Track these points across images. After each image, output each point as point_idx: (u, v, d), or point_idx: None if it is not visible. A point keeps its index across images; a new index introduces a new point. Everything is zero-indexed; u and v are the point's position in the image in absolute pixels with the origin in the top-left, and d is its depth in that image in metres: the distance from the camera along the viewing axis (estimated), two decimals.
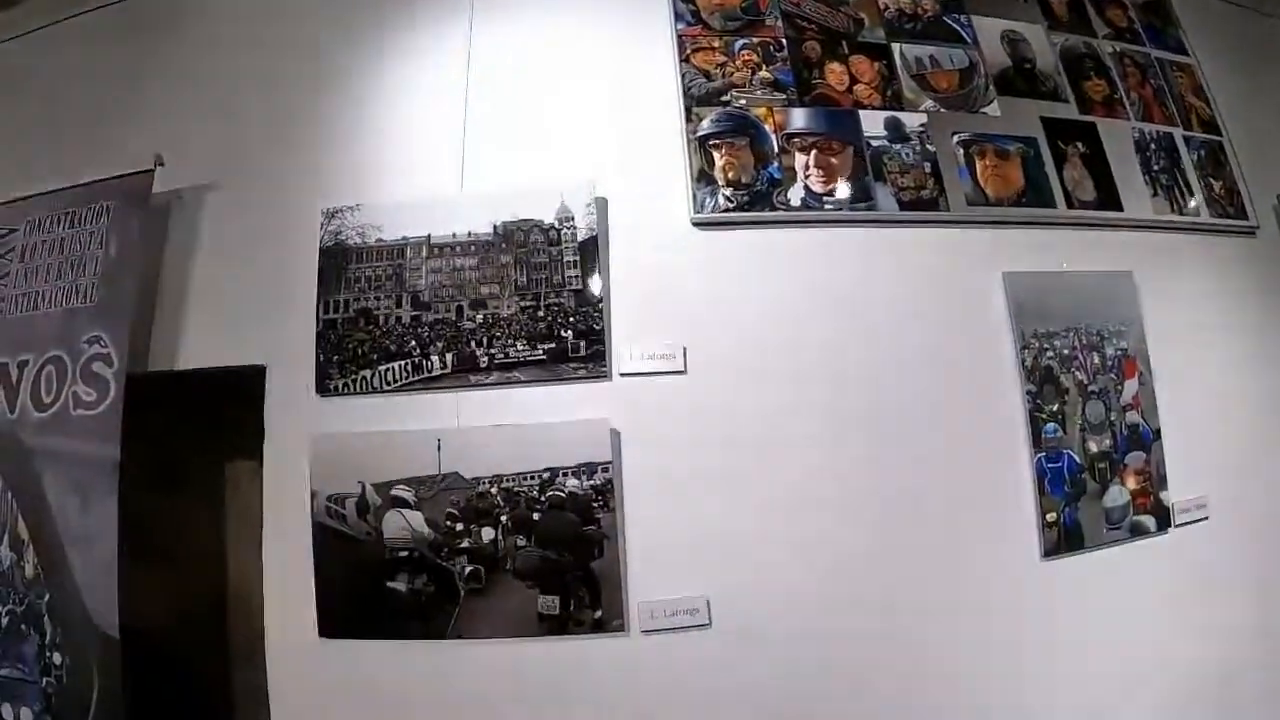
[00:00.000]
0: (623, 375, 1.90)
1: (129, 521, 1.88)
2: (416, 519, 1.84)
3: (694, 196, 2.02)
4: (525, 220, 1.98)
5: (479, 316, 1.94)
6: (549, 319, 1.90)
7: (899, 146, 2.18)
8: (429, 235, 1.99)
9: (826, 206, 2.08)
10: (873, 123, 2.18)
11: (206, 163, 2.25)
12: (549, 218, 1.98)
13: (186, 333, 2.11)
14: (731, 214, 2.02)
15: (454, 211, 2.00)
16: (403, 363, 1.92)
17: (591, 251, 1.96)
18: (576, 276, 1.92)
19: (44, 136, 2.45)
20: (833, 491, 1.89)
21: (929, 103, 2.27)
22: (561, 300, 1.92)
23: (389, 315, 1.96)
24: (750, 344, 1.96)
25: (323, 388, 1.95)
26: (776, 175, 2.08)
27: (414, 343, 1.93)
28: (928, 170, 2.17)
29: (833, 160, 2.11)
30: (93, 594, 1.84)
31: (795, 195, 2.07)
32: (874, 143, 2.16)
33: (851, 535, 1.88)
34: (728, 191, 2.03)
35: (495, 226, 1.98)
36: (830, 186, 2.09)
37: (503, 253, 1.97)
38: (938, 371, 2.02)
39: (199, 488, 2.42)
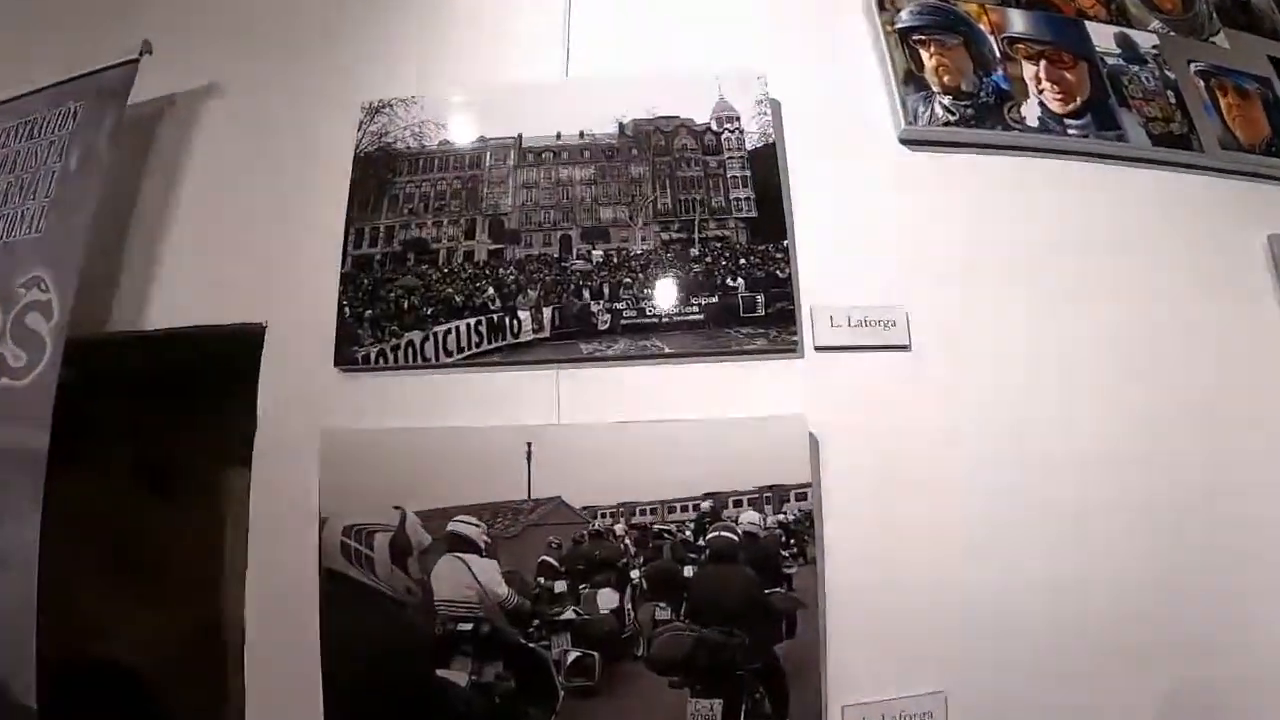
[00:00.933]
0: (820, 350, 1.04)
1: (62, 543, 1.13)
2: (488, 571, 0.95)
3: (903, 104, 1.17)
4: (667, 118, 1.10)
5: (597, 253, 1.05)
6: (708, 259, 1.01)
7: (1136, 68, 1.35)
8: (519, 135, 1.11)
9: (1070, 131, 1.23)
10: (1102, 37, 1.37)
11: (212, 57, 1.35)
12: (702, 116, 1.10)
13: (160, 280, 1.17)
14: (957, 129, 1.19)
15: (559, 103, 1.13)
16: (473, 321, 1.03)
17: (768, 165, 1.07)
18: (748, 199, 1.04)
19: (12, 41, 1.52)
20: (1107, 528, 1.03)
21: (1156, 23, 1.46)
22: (726, 233, 1.04)
23: (454, 250, 1.07)
24: (992, 312, 1.09)
25: (345, 358, 1.06)
26: (1003, 85, 1.23)
27: (491, 290, 1.04)
28: (1172, 101, 1.34)
29: (1067, 75, 1.30)
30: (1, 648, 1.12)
31: (1030, 113, 1.22)
32: (1108, 60, 1.32)
33: (1128, 591, 1.01)
34: (945, 100, 1.20)
35: (621, 124, 1.10)
36: (1070, 106, 1.24)
37: (633, 161, 1.08)
38: (1210, 362, 1.17)
39: (169, 499, 1.43)
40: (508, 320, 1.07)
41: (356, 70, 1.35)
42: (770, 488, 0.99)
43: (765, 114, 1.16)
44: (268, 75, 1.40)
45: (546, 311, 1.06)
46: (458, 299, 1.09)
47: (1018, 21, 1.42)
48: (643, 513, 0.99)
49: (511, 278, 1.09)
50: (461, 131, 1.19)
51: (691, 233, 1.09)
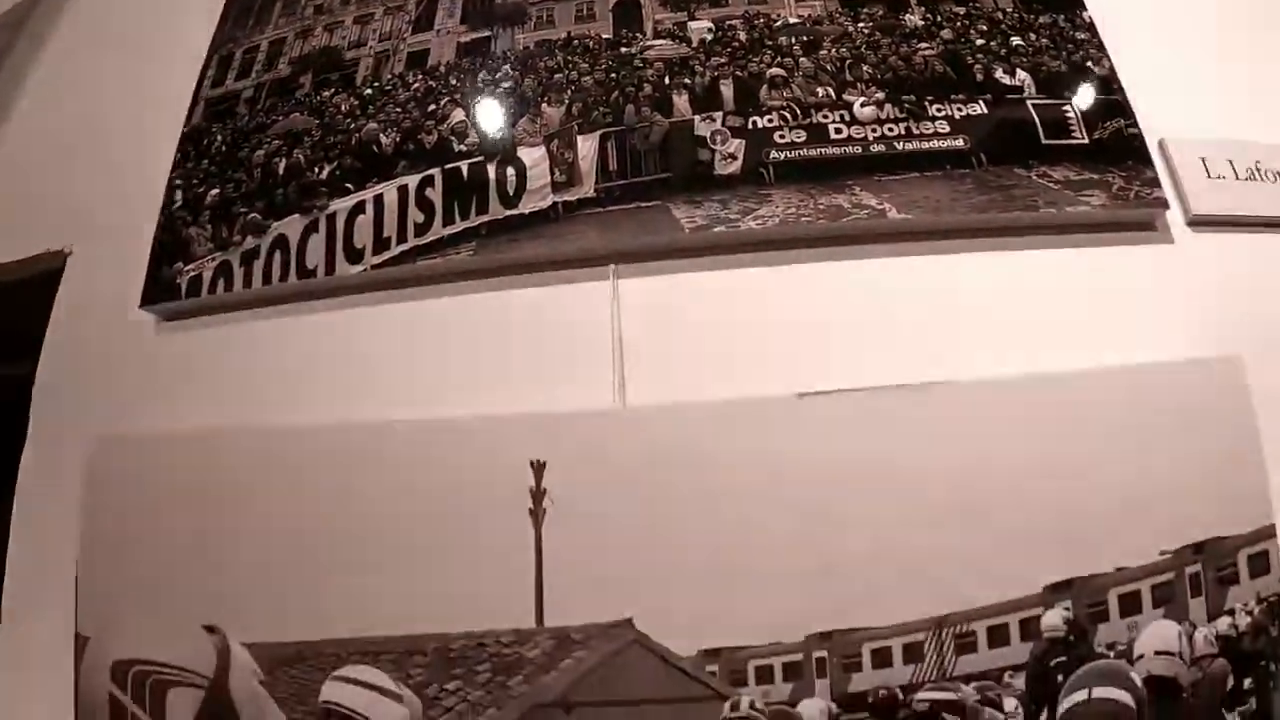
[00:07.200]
0: (1199, 222, 0.41)
1: None
2: None
3: None
4: None
5: (699, 24, 0.45)
6: (944, 36, 0.42)
7: None
8: None
9: None
10: None
11: None
12: None
13: None
14: None
15: None
16: (415, 181, 0.41)
17: None
18: None
19: None
20: None
21: None
22: None
23: (389, 56, 0.45)
24: None
25: (160, 287, 0.42)
26: None
27: (460, 115, 0.42)
28: None
29: None
30: None
31: None
32: None
33: None
34: None
35: None
36: None
37: None
38: None
39: None
40: (493, 171, 0.46)
41: None
42: (1199, 547, 0.39)
43: None
44: None
45: (587, 144, 0.46)
46: (384, 139, 0.48)
47: None
48: (875, 658, 0.34)
49: (507, 84, 0.49)
50: None
51: None
